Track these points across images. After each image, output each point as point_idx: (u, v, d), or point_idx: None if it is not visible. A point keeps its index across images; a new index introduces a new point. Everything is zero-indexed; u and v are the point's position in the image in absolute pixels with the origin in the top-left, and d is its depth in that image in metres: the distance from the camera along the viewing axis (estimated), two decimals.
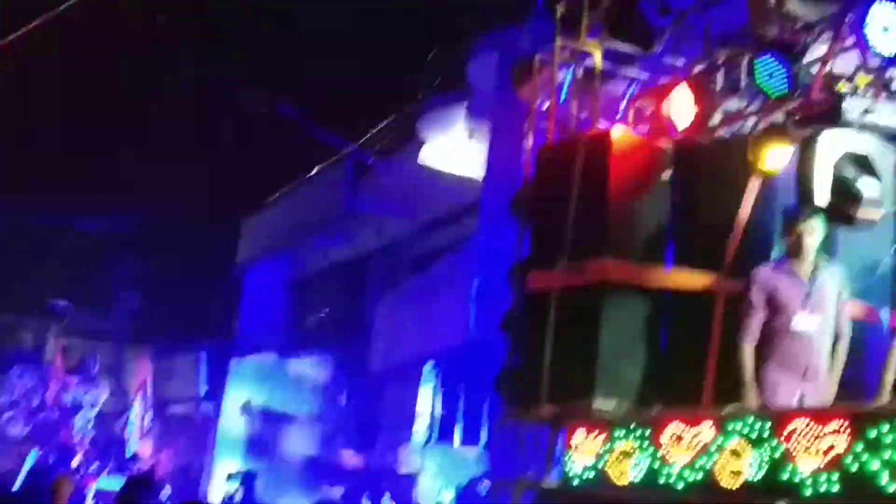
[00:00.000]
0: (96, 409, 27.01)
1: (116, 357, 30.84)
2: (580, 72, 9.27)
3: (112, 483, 16.73)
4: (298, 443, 25.48)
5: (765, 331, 7.31)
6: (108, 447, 26.41)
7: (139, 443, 25.67)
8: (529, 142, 9.40)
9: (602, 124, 8.77)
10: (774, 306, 7.27)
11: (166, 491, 14.65)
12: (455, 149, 20.87)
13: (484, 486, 16.02)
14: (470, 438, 21.52)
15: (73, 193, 33.46)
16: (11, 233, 33.14)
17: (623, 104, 9.24)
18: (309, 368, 26.27)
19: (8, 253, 32.74)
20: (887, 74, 7.26)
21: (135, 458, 25.46)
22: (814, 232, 7.30)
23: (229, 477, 19.59)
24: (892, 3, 6.74)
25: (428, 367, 21.94)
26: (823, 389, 7.29)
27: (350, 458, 24.61)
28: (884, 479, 5.64)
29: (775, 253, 7.58)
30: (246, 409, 26.12)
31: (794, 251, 7.34)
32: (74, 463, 23.37)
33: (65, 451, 24.75)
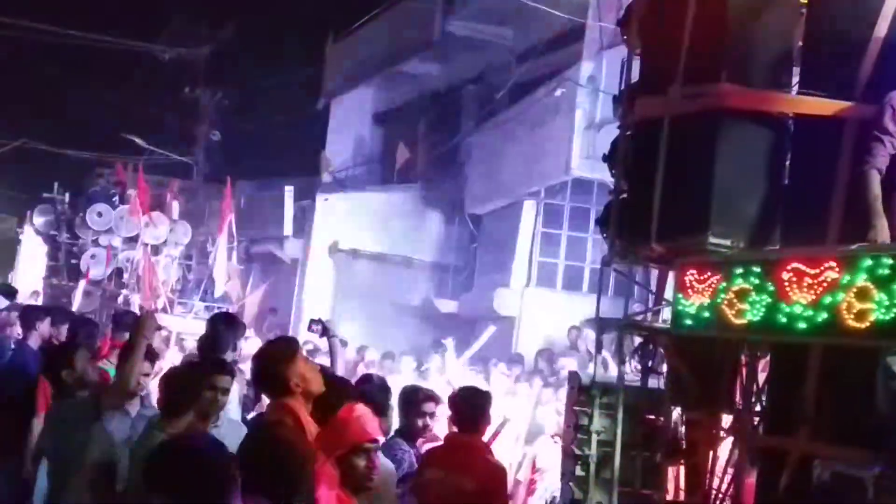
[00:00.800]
0: (180, 248, 27.51)
1: (199, 195, 31.25)
2: None
3: (195, 325, 17.08)
4: (390, 286, 25.67)
5: None
6: (194, 288, 27.01)
7: (225, 283, 26.04)
8: None
9: None
10: None
11: (250, 337, 14.93)
12: None
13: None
14: (572, 283, 21.67)
15: (155, 22, 33.57)
16: (91, 63, 33.46)
17: None
18: (401, 207, 26.30)
19: (88, 85, 33.16)
20: None
21: (223, 298, 25.89)
22: None
23: (311, 323, 19.92)
24: None
25: (528, 205, 21.98)
26: None
27: (446, 304, 24.84)
28: None
29: None
30: (335, 249, 26.31)
31: None
32: (159, 304, 23.87)
33: (150, 290, 25.27)
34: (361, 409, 5.51)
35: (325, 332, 9.86)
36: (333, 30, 29.99)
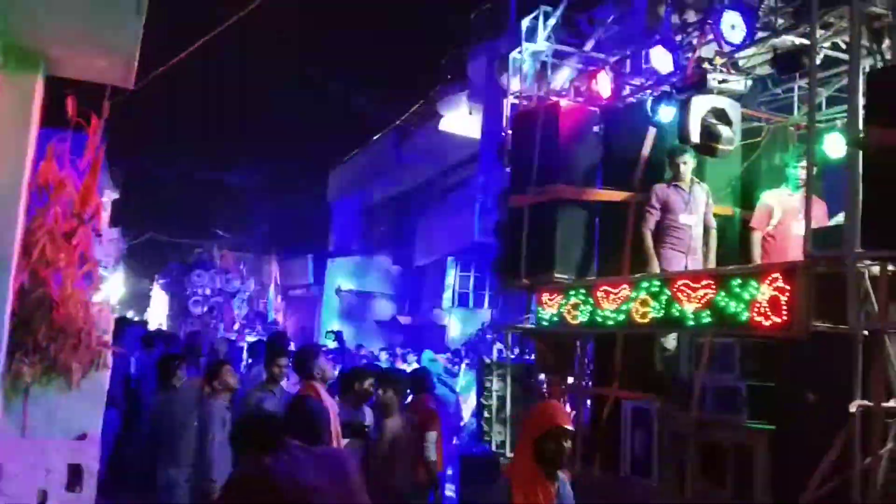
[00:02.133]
0: (247, 294, 27.30)
1: (256, 262, 31.14)
2: (539, 65, 9.13)
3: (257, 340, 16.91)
4: (372, 310, 25.84)
5: (661, 224, 7.29)
6: (256, 318, 26.77)
7: (275, 314, 25.96)
8: (508, 112, 9.29)
9: (553, 97, 8.66)
10: (666, 209, 7.24)
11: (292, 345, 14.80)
12: (462, 120, 20.75)
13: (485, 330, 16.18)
14: (477, 303, 21.70)
15: (224, 159, 33.74)
16: (190, 185, 33.55)
17: (566, 84, 9.10)
18: (377, 264, 26.55)
19: (188, 199, 33.31)
20: (735, 56, 7.11)
21: (274, 322, 25.80)
22: (689, 161, 7.27)
23: (327, 334, 19.89)
24: (737, 11, 6.58)
25: (450, 260, 22.05)
26: (700, 262, 7.27)
27: (404, 319, 24.86)
28: (738, 311, 5.68)
29: (667, 175, 7.50)
30: (338, 291, 26.44)
31: (678, 174, 7.31)
32: (235, 327, 23.68)
33: (229, 321, 25.09)
34: (553, 403, 4.96)
35: (338, 339, 9.77)
36: (332, 162, 30.27)
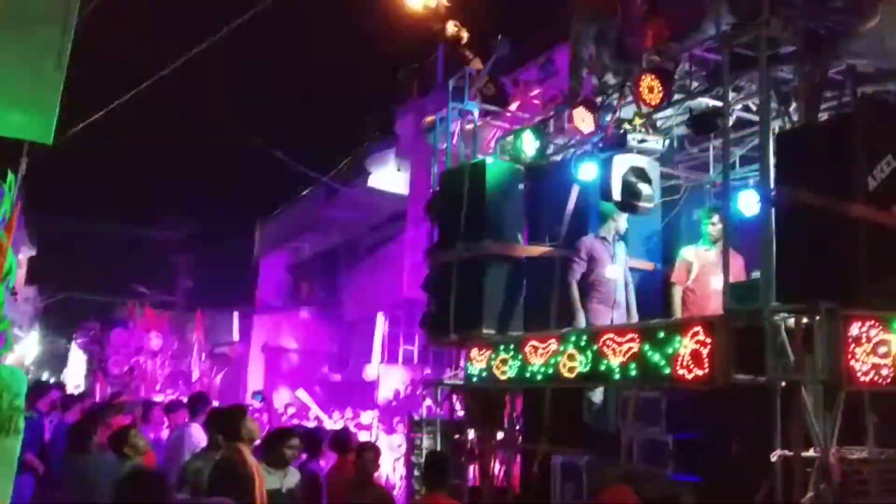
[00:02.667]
0: (169, 353, 26.59)
1: (180, 320, 30.40)
2: (465, 123, 9.28)
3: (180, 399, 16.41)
4: (298, 367, 25.39)
5: (587, 278, 7.40)
6: (178, 376, 26.04)
7: (198, 372, 25.30)
8: (435, 169, 9.38)
9: (479, 156, 8.79)
10: (592, 261, 7.35)
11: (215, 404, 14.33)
12: (389, 176, 20.88)
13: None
14: (407, 359, 21.53)
15: (148, 214, 33.18)
16: (110, 242, 32.78)
17: (492, 143, 9.25)
18: (304, 320, 26.18)
19: (108, 255, 32.50)
20: (654, 117, 7.36)
21: (198, 382, 25.13)
22: (622, 219, 7.43)
23: (254, 395, 19.44)
24: (653, 74, 6.82)
25: (379, 316, 21.88)
26: (624, 315, 7.39)
27: (334, 376, 24.47)
28: (662, 365, 5.77)
29: (590, 231, 7.64)
30: (265, 347, 25.93)
31: (605, 229, 7.47)
32: (157, 387, 23.02)
33: (151, 381, 24.37)
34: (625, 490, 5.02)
35: (264, 399, 9.53)
36: (260, 216, 30.00)
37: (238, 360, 27.28)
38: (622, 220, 7.50)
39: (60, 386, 16.04)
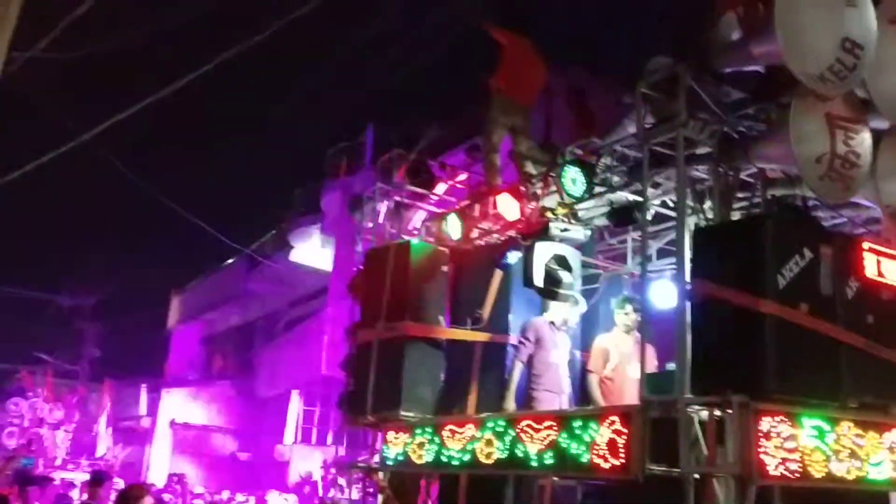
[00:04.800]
0: (72, 426, 25.23)
1: (84, 390, 29.04)
2: (391, 204, 9.33)
3: (80, 476, 15.56)
4: (209, 445, 24.52)
5: (532, 362, 7.30)
6: (81, 451, 24.71)
7: (104, 447, 24.07)
8: (360, 247, 9.36)
9: (404, 237, 8.81)
10: (539, 345, 7.32)
11: (119, 482, 13.63)
12: (313, 252, 20.78)
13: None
14: (321, 439, 21.05)
15: (54, 279, 31.98)
16: (10, 304, 31.26)
17: (418, 224, 9.30)
18: (216, 395, 25.43)
19: (8, 319, 30.95)
20: (576, 208, 7.52)
21: (102, 458, 23.89)
22: (571, 308, 7.46)
23: (170, 478, 18.65)
24: (577, 165, 7.02)
25: (295, 393, 21.44)
26: (567, 403, 7.35)
27: (243, 455, 23.72)
28: (579, 453, 5.75)
29: (512, 316, 7.67)
30: (173, 423, 24.99)
31: (553, 315, 7.47)
32: (58, 462, 21.79)
33: (50, 455, 23.04)
34: None
35: (179, 481, 9.12)
36: (175, 285, 29.22)
37: (144, 435, 26.15)
38: (573, 312, 7.51)
39: None
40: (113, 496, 7.00)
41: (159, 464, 23.40)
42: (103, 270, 30.00)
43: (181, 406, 25.24)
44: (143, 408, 26.89)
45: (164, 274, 30.03)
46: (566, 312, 7.50)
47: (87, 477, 10.55)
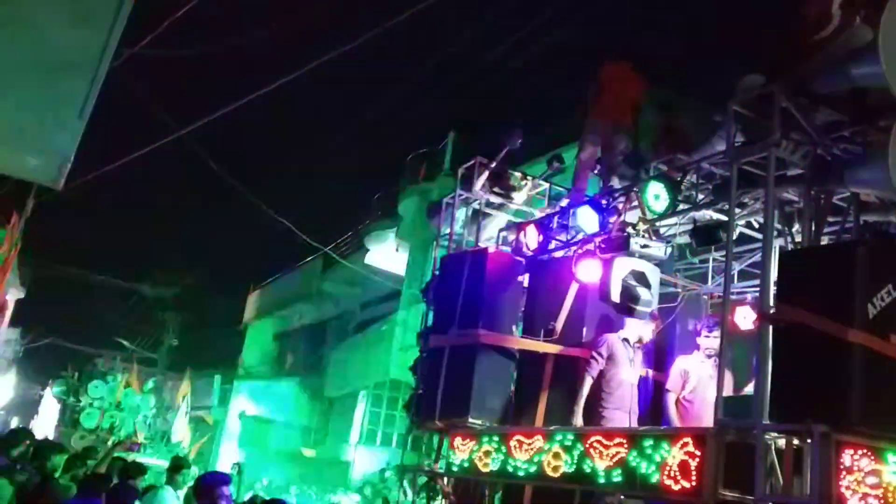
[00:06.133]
0: (151, 411, 25.97)
1: (162, 378, 29.91)
2: (470, 211, 9.37)
3: (158, 461, 15.97)
4: (275, 439, 24.90)
5: (603, 378, 7.20)
6: (158, 437, 25.40)
7: (182, 435, 24.73)
8: (436, 253, 9.41)
9: (482, 244, 8.82)
10: (611, 361, 7.23)
11: (194, 470, 13.86)
12: (388, 255, 20.97)
13: (390, 472, 15.69)
14: (385, 441, 21.18)
15: (141, 268, 33.09)
16: (96, 292, 32.50)
17: (495, 233, 9.31)
18: (286, 391, 25.82)
19: (96, 306, 32.23)
20: (657, 224, 7.42)
21: (178, 444, 24.51)
22: (645, 326, 7.36)
23: (233, 466, 19.00)
24: (661, 181, 6.92)
25: (362, 394, 21.62)
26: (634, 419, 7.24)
27: (308, 451, 24.00)
28: (649, 473, 5.66)
29: (585, 330, 7.59)
30: (242, 415, 25.50)
31: (628, 332, 7.38)
32: (133, 446, 22.54)
33: (131, 439, 23.75)
34: None
35: (240, 471, 9.29)
36: (252, 282, 29.91)
37: (214, 425, 26.79)
38: (648, 330, 7.41)
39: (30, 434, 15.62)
40: (190, 483, 7.16)
41: (227, 453, 23.91)
42: (186, 263, 30.93)
43: (251, 399, 25.76)
44: (214, 398, 27.52)
45: (242, 269, 30.84)
46: (641, 330, 7.39)
47: (165, 463, 10.79)
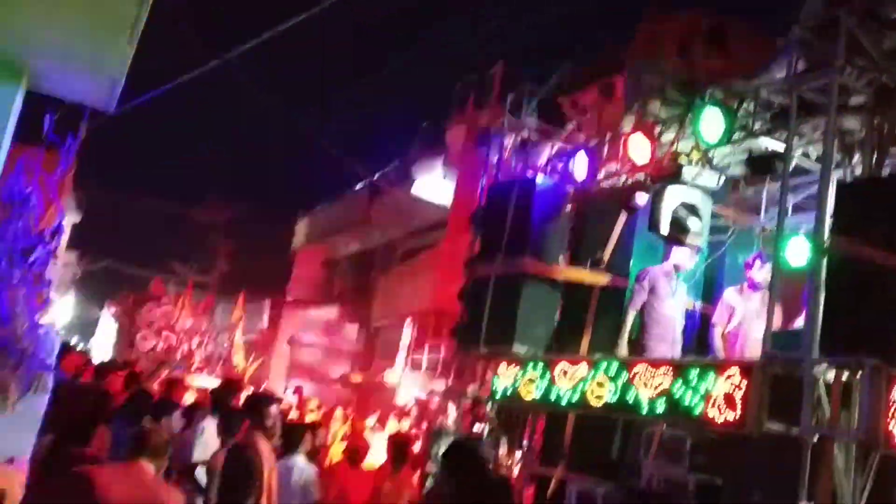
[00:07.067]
0: (208, 335, 26.59)
1: (213, 302, 30.61)
2: (518, 140, 9.24)
3: (212, 382, 16.45)
4: (324, 364, 25.46)
5: (645, 310, 7.19)
6: (214, 359, 26.09)
7: (238, 357, 25.41)
8: (483, 181, 9.34)
9: (530, 173, 8.72)
10: (653, 294, 7.19)
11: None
12: (435, 184, 20.89)
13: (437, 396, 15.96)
14: (431, 367, 21.48)
15: (194, 193, 33.67)
16: (149, 216, 33.25)
17: (543, 161, 9.19)
18: (333, 318, 26.27)
19: (151, 230, 33.06)
20: (710, 154, 7.24)
21: (235, 367, 25.15)
22: (687, 255, 7.27)
23: (294, 390, 19.46)
24: (717, 108, 6.70)
25: (408, 321, 21.87)
26: (679, 353, 7.22)
27: (355, 377, 24.54)
28: (692, 404, 5.65)
29: (633, 261, 7.52)
30: (292, 340, 26.09)
31: (671, 263, 7.31)
32: (192, 367, 23.29)
33: (185, 360, 24.48)
34: None
35: (300, 393, 9.53)
36: (302, 208, 30.19)
37: (264, 349, 27.47)
38: (693, 260, 7.32)
39: (86, 353, 16.18)
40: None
41: (277, 377, 24.57)
42: (238, 189, 31.31)
43: (300, 324, 26.28)
44: (265, 322, 28.12)
45: (291, 197, 31.13)
46: (687, 259, 7.28)
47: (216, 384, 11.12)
